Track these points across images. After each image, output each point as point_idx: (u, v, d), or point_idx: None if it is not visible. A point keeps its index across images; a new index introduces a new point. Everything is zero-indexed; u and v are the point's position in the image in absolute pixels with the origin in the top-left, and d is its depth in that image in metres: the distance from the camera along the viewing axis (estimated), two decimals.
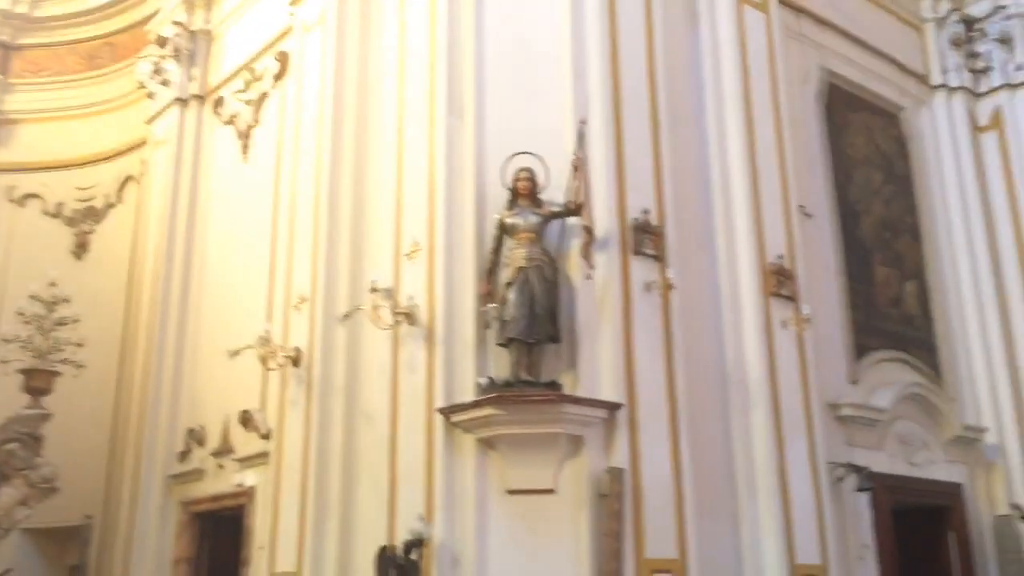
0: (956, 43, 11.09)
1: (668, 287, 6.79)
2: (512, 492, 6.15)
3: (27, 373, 8.68)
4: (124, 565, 8.98)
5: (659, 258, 6.91)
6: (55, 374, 8.77)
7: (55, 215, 11.24)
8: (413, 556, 5.96)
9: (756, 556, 6.91)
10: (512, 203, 6.66)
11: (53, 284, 9.04)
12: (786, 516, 7.05)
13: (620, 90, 7.11)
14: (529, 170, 6.66)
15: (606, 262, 6.62)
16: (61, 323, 8.88)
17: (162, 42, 10.39)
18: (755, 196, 7.80)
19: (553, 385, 6.23)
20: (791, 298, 7.77)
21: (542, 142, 6.77)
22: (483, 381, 6.29)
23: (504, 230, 6.59)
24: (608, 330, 6.49)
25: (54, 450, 8.91)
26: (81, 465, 9.59)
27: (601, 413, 6.28)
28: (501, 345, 6.38)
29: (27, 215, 11.28)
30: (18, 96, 11.56)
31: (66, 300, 8.99)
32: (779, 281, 7.71)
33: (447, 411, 6.31)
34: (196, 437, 8.84)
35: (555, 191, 6.63)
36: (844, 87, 9.92)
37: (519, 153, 6.67)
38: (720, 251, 7.58)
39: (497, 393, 6.12)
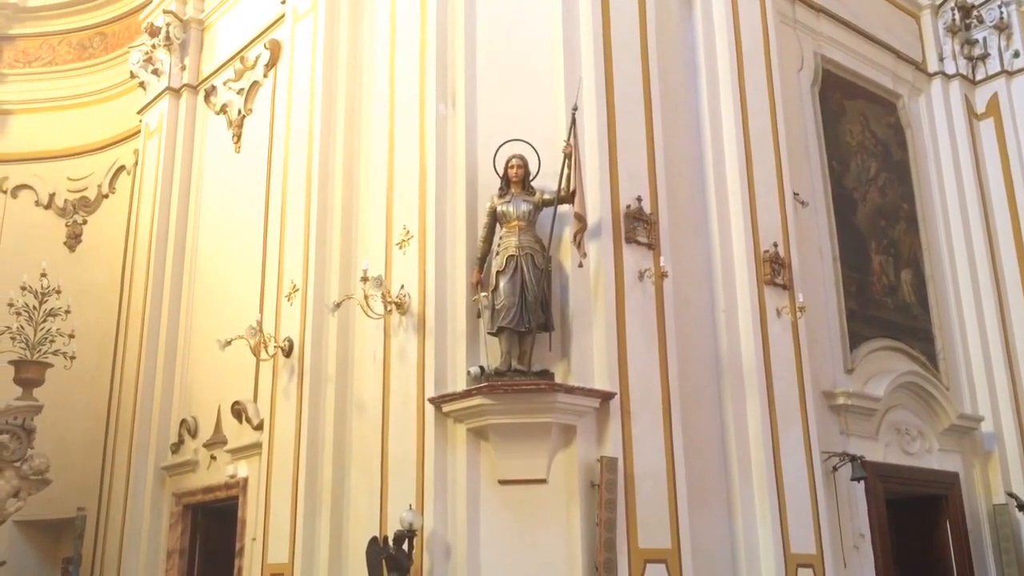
0: (953, 30, 11.04)
1: (661, 275, 6.74)
2: (504, 482, 6.11)
3: (18, 364, 8.61)
4: (118, 557, 8.96)
5: (652, 246, 6.86)
6: (47, 365, 8.71)
7: (47, 206, 11.19)
8: (404, 546, 5.92)
9: (750, 545, 6.88)
10: (504, 191, 6.60)
11: (44, 275, 8.98)
12: (780, 505, 7.02)
13: (612, 76, 7.05)
14: (521, 157, 6.61)
15: (598, 250, 6.56)
16: (52, 314, 8.81)
17: (154, 31, 10.32)
18: (749, 183, 7.76)
19: (545, 374, 6.19)
20: (785, 286, 7.74)
21: (534, 129, 6.73)
22: (474, 370, 6.25)
23: (496, 218, 6.53)
24: (601, 319, 6.44)
25: (46, 442, 8.86)
26: (74, 457, 9.56)
27: (593, 402, 6.24)
28: (492, 334, 6.33)
29: (19, 206, 11.22)
30: (9, 87, 11.50)
31: (57, 291, 8.91)
32: (773, 269, 7.67)
33: (438, 401, 6.26)
34: (189, 428, 8.81)
35: (547, 178, 6.58)
36: (839, 74, 9.86)
37: (510, 140, 6.62)
38: (714, 239, 7.54)
39: (488, 383, 6.08)
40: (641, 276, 6.73)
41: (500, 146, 6.64)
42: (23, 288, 8.81)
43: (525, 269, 6.32)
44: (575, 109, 6.58)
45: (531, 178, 6.64)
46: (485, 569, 5.89)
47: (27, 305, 8.75)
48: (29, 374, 8.62)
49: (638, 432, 6.33)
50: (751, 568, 6.83)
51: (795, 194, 8.35)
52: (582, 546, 5.92)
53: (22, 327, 8.66)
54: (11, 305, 8.76)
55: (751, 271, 7.50)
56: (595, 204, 6.63)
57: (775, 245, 7.75)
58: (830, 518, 7.50)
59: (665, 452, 6.43)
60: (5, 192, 11.23)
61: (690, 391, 6.85)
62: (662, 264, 6.75)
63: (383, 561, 5.89)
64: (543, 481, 6.09)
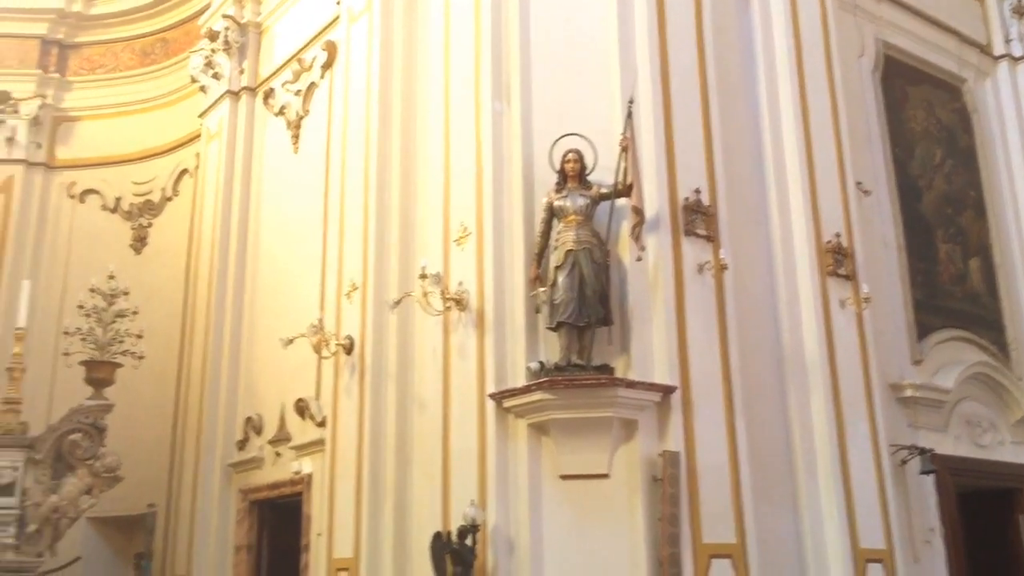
0: (1019, 12, 10.74)
1: (721, 268, 6.68)
2: (565, 477, 6.10)
3: (89, 365, 8.84)
4: (188, 552, 9.14)
5: (711, 238, 6.79)
6: (116, 365, 8.91)
7: (114, 210, 11.45)
8: (468, 541, 5.95)
9: (817, 540, 6.78)
10: (560, 186, 6.60)
11: (112, 277, 9.20)
12: (848, 500, 6.90)
13: (668, 68, 6.98)
14: (577, 152, 6.59)
15: (657, 243, 6.52)
16: (121, 315, 9.02)
17: (213, 36, 10.50)
18: (810, 173, 7.63)
19: (605, 369, 6.17)
20: (849, 277, 7.60)
21: (590, 123, 6.71)
22: (534, 366, 6.25)
23: (553, 213, 6.53)
24: (660, 312, 6.39)
25: (117, 440, 9.06)
26: (144, 455, 9.76)
27: (654, 396, 6.20)
28: (551, 329, 6.32)
29: (87, 210, 11.51)
30: (76, 94, 11.80)
31: (125, 293, 9.13)
32: (836, 260, 7.54)
33: (498, 396, 6.28)
34: (254, 426, 8.95)
35: (604, 172, 6.55)
36: (902, 59, 9.65)
37: (566, 135, 6.60)
38: (774, 230, 7.42)
39: (548, 378, 6.08)
40: (700, 269, 6.67)
41: (556, 141, 6.63)
42: (92, 290, 9.05)
43: (583, 264, 6.30)
44: (631, 102, 6.53)
45: (587, 172, 6.61)
46: (549, 564, 5.89)
47: (96, 307, 8.99)
48: (100, 374, 8.83)
49: (700, 426, 6.27)
50: (819, 563, 6.73)
51: (858, 183, 8.19)
52: (645, 541, 5.88)
53: (92, 328, 8.90)
54: (81, 307, 9.01)
55: (813, 262, 7.37)
56: (653, 197, 6.58)
57: (838, 235, 7.61)
58: (899, 512, 7.36)
59: (728, 446, 6.36)
60: (74, 197, 11.52)
61: (752, 384, 6.75)
62: (722, 256, 6.68)
63: (447, 556, 5.93)
64: (605, 476, 6.07)
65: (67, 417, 8.91)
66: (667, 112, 6.91)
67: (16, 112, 11.42)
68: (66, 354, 9.01)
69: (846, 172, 7.96)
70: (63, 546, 8.87)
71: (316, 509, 7.80)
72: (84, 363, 8.84)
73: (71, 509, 8.60)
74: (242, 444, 9.08)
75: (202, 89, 10.79)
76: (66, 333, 9.06)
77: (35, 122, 11.50)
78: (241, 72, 10.34)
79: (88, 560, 9.85)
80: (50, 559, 8.69)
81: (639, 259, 6.40)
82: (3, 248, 11.08)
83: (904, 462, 7.76)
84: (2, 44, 11.60)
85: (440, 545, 6.01)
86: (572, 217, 6.45)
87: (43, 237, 11.33)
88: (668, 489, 5.92)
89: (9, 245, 11.11)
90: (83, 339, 8.86)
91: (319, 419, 8.01)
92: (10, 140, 11.41)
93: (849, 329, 7.47)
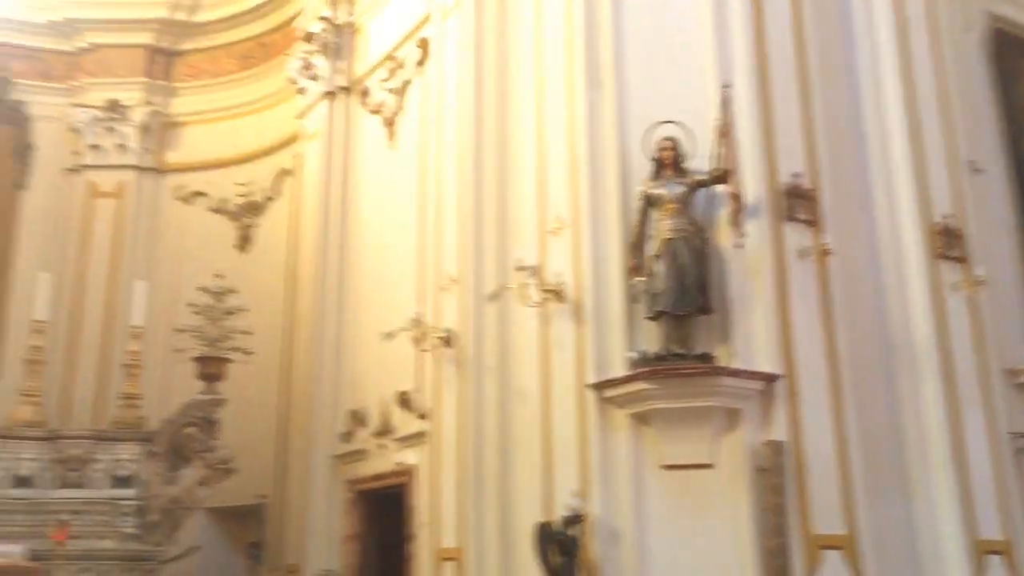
0: None
1: (824, 253, 6.53)
2: (668, 467, 6.07)
3: (201, 361, 9.19)
4: (298, 542, 9.38)
5: (813, 223, 6.64)
6: (227, 361, 9.26)
7: (219, 211, 11.81)
8: (572, 532, 5.97)
9: (932, 531, 6.57)
10: (656, 174, 6.55)
11: (220, 276, 9.54)
12: (964, 489, 6.67)
13: (765, 50, 6.85)
14: (672, 139, 6.53)
15: (757, 230, 6.41)
16: (230, 312, 9.35)
17: (309, 38, 10.72)
18: (917, 152, 7.37)
19: (706, 357, 6.10)
20: (961, 259, 7.32)
21: (685, 110, 6.64)
22: (634, 355, 6.23)
23: (649, 202, 6.48)
24: (762, 300, 6.29)
25: (229, 433, 9.41)
26: (254, 447, 10.05)
27: (758, 385, 6.11)
28: (650, 319, 6.29)
29: (195, 212, 11.90)
30: (181, 100, 12.20)
31: (233, 291, 9.46)
32: (947, 242, 7.27)
33: (599, 387, 6.27)
34: (358, 418, 9.13)
35: (701, 159, 6.47)
36: (1013, 32, 9.23)
37: (662, 122, 6.54)
38: (880, 213, 7.21)
39: (650, 367, 6.04)
40: (803, 254, 6.54)
41: (651, 128, 6.57)
42: (202, 289, 9.40)
43: (681, 252, 6.26)
44: (727, 86, 6.44)
45: (683, 160, 6.54)
46: (654, 554, 5.87)
47: (207, 305, 9.33)
48: (211, 369, 9.19)
49: (807, 414, 6.15)
50: (934, 553, 6.52)
51: (970, 161, 7.87)
52: (752, 531, 5.82)
53: (203, 326, 9.25)
54: (192, 305, 9.37)
55: (922, 245, 7.13)
56: (751, 182, 6.47)
57: (948, 216, 7.34)
58: (1021, 502, 7.06)
59: (836, 434, 6.23)
60: (182, 199, 11.94)
61: (860, 371, 6.58)
62: (825, 241, 6.52)
63: (552, 546, 5.95)
64: (709, 466, 6.02)
65: (182, 411, 9.31)
66: (765, 95, 6.80)
67: (126, 119, 11.89)
68: (179, 351, 9.40)
69: (956, 150, 7.66)
70: (182, 536, 9.25)
71: (421, 500, 7.91)
72: (196, 359, 9.20)
73: (188, 500, 8.98)
74: (347, 436, 9.27)
75: (300, 91, 11.03)
76: (179, 330, 9.45)
77: (144, 128, 11.94)
78: (338, 72, 10.52)
79: (205, 549, 10.20)
80: (170, 548, 9.09)
81: (739, 246, 6.30)
82: (119, 250, 11.56)
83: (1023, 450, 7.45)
84: (111, 54, 12.06)
85: (544, 535, 6.04)
86: (669, 205, 6.40)
87: (155, 239, 11.79)
88: (774, 479, 5.82)
89: (124, 247, 11.59)
90: (195, 336, 9.23)
91: (421, 411, 8.12)
92: (121, 147, 11.88)
93: (962, 313, 7.19)
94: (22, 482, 8.74)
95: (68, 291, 11.13)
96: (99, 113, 11.84)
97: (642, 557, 5.89)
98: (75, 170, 11.84)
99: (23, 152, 11.73)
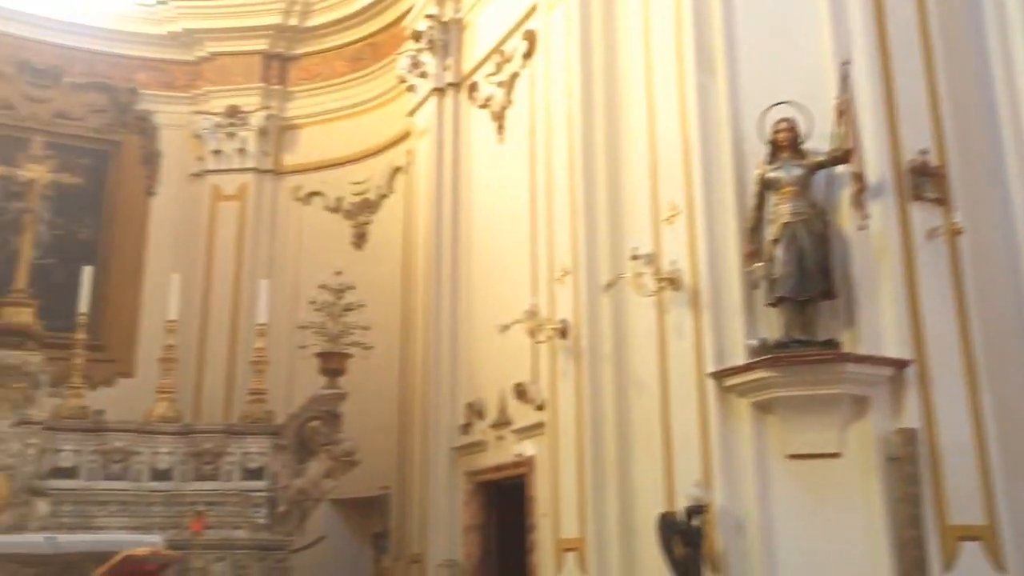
0: None
1: (955, 232, 6.25)
2: (793, 457, 5.92)
3: (323, 356, 9.47)
4: (421, 532, 9.56)
5: (942, 201, 6.36)
6: (347, 356, 9.51)
7: (335, 210, 12.12)
8: (695, 522, 5.90)
9: None
10: (772, 157, 6.39)
11: (339, 273, 9.80)
12: None
13: (885, 22, 6.59)
14: (789, 120, 6.36)
15: (882, 210, 6.18)
16: (348, 308, 9.60)
17: (417, 36, 10.88)
18: None
19: (831, 344, 5.93)
20: None
21: (801, 90, 6.44)
22: (754, 343, 6.11)
23: (766, 186, 6.33)
24: (889, 283, 6.07)
25: (351, 426, 9.67)
26: (375, 440, 10.28)
27: (886, 371, 5.90)
28: (770, 305, 6.15)
29: (312, 212, 12.26)
30: (296, 103, 12.56)
31: (351, 287, 9.70)
32: None
33: (719, 375, 6.17)
34: (475, 410, 9.24)
35: (819, 140, 6.29)
36: None
37: (777, 104, 6.37)
38: (1015, 188, 6.82)
39: (772, 355, 5.91)
40: (931, 235, 6.27)
41: (765, 111, 6.41)
42: (322, 287, 9.67)
43: (801, 236, 6.10)
44: (846, 63, 6.23)
45: (801, 141, 6.36)
46: (782, 545, 5.74)
47: (327, 302, 9.59)
48: (333, 364, 9.46)
49: (940, 401, 5.92)
50: None
51: None
52: (885, 522, 5.63)
53: (324, 322, 9.51)
54: (313, 302, 9.65)
55: None
56: (875, 161, 6.25)
57: None
58: None
59: (973, 421, 5.97)
60: (300, 200, 12.31)
61: (997, 355, 6.27)
62: (955, 220, 6.25)
63: (675, 537, 5.90)
64: (836, 455, 5.85)
65: (306, 405, 9.62)
66: (886, 70, 6.54)
67: (245, 124, 12.32)
68: (302, 347, 9.70)
69: None
70: (309, 526, 9.56)
71: (540, 490, 7.96)
72: (318, 355, 9.48)
73: (315, 491, 9.27)
74: (465, 428, 9.39)
75: (410, 89, 11.21)
76: (301, 327, 9.76)
77: (262, 132, 12.35)
78: (446, 69, 10.64)
79: (331, 539, 10.52)
80: (299, 538, 9.41)
81: (862, 228, 6.09)
82: (241, 251, 12.00)
83: None
84: (229, 62, 12.51)
85: (667, 525, 5.99)
86: (787, 188, 6.24)
87: (275, 239, 12.19)
88: (907, 468, 5.62)
89: (246, 248, 12.03)
90: (316, 332, 9.51)
91: (538, 403, 8.16)
92: (241, 151, 12.32)
93: None
94: (160, 475, 9.19)
95: (197, 291, 11.62)
96: (220, 119, 12.31)
97: (769, 548, 5.78)
98: (199, 175, 12.35)
99: (152, 160, 12.31)
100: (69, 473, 8.94)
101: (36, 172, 10.01)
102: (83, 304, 9.67)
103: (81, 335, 9.57)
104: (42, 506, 8.59)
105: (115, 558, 6.96)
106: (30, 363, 9.00)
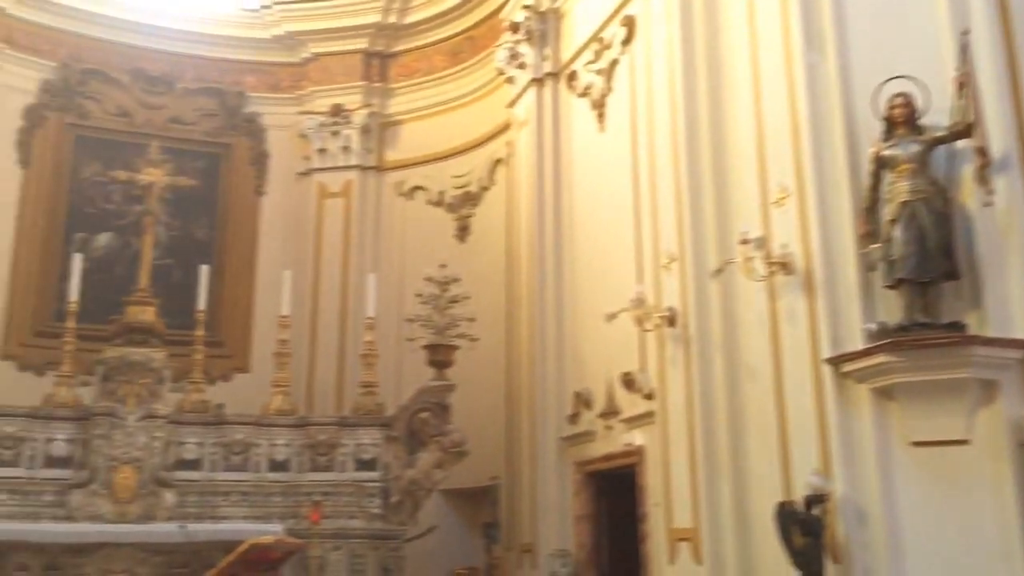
0: None
1: None
2: (918, 444, 5.72)
3: (430, 348, 9.60)
4: (531, 522, 9.60)
5: None
6: (454, 348, 9.62)
7: (438, 203, 12.26)
8: (815, 511, 5.76)
9: None
10: (888, 134, 6.17)
11: (444, 266, 9.91)
12: None
13: None
14: (904, 95, 6.13)
15: (1008, 185, 5.91)
16: (454, 301, 9.70)
17: (515, 28, 10.89)
18: None
19: (955, 326, 5.69)
20: None
21: (916, 63, 6.22)
22: (872, 327, 5.91)
23: (881, 164, 6.12)
24: (1016, 261, 5.81)
25: (459, 417, 9.77)
26: (483, 430, 10.38)
27: (1016, 354, 5.65)
28: (889, 287, 5.95)
29: (415, 206, 12.44)
30: (397, 99, 12.76)
31: (456, 280, 9.80)
32: None
33: (836, 361, 6.00)
34: (583, 400, 9.22)
35: (937, 115, 6.06)
36: None
37: (891, 78, 6.14)
38: None
39: (891, 339, 5.71)
40: None
41: (879, 86, 6.19)
42: (428, 279, 9.79)
43: (921, 215, 5.89)
44: (965, 33, 5.96)
45: (918, 117, 6.13)
46: (907, 535, 5.56)
47: (432, 294, 9.71)
48: (440, 356, 9.58)
49: None
50: None
51: None
52: (1018, 511, 5.40)
53: (430, 314, 9.64)
54: (419, 295, 9.78)
55: None
56: (998, 135, 5.96)
57: None
58: None
59: None
60: (403, 194, 12.51)
61: None
62: None
63: (794, 527, 5.77)
64: (964, 442, 5.63)
65: (415, 397, 9.76)
66: (1008, 38, 6.27)
67: (348, 122, 12.57)
68: (410, 339, 9.85)
69: None
70: (421, 516, 9.71)
71: (651, 480, 7.89)
72: (426, 347, 9.61)
73: (426, 481, 9.41)
74: (573, 418, 9.38)
75: (509, 80, 11.23)
76: (408, 320, 9.90)
77: (365, 130, 12.60)
78: (544, 59, 10.62)
79: (442, 529, 10.66)
80: (412, 528, 9.56)
81: (988, 204, 5.84)
82: (348, 247, 12.27)
83: None
84: (331, 62, 12.78)
85: (785, 515, 5.86)
86: (904, 166, 6.02)
87: (380, 234, 12.42)
88: None
89: (352, 243, 12.29)
90: (423, 325, 9.64)
91: (646, 391, 8.09)
92: (346, 148, 12.58)
93: None
94: (278, 466, 9.47)
95: (306, 287, 11.92)
96: (324, 119, 12.61)
97: (893, 538, 5.59)
98: (305, 173, 12.67)
99: (260, 160, 12.69)
100: (193, 465, 9.28)
101: (154, 176, 10.40)
102: (201, 302, 10.01)
103: (200, 332, 9.92)
104: (169, 497, 8.95)
105: (242, 546, 7.18)
106: (154, 360, 9.36)
